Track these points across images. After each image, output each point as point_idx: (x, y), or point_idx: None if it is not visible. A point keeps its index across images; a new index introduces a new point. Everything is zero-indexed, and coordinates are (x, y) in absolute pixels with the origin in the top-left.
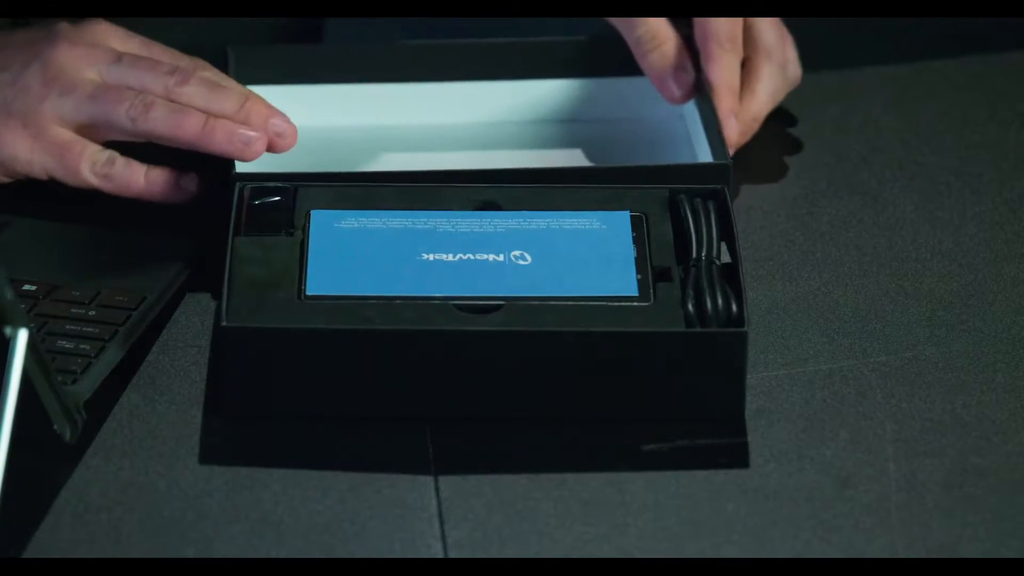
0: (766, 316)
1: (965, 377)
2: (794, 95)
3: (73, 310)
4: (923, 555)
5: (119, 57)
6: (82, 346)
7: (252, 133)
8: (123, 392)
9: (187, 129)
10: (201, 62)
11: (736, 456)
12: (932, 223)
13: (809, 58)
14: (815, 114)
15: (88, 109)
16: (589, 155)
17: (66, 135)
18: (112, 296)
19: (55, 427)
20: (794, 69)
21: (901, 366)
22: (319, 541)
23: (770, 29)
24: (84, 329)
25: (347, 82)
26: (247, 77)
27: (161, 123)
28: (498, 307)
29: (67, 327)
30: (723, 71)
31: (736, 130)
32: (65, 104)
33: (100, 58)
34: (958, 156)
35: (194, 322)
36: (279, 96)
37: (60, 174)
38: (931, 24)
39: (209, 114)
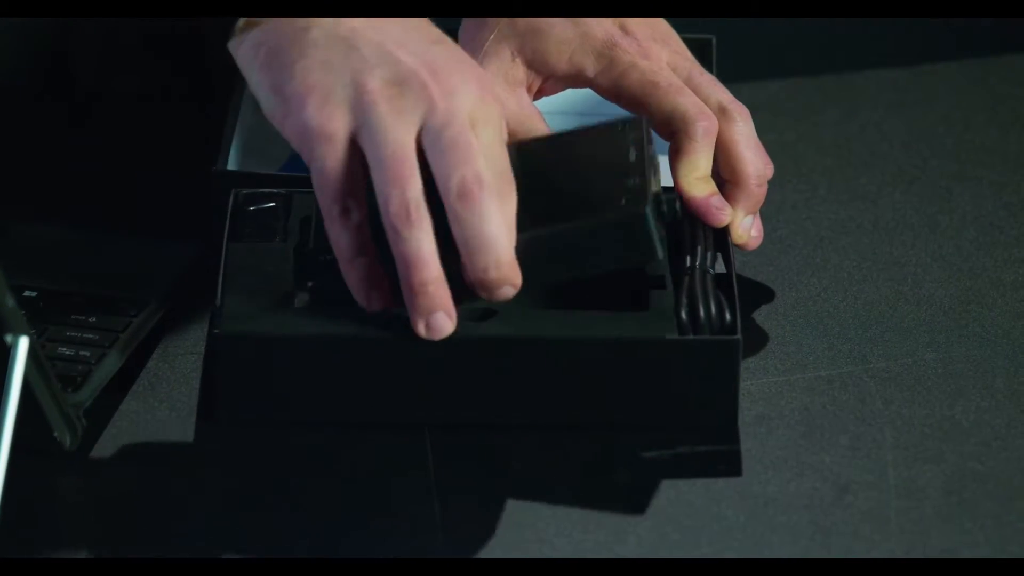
0: (765, 322)
1: (964, 383)
2: (794, 99)
3: (73, 317)
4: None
5: (449, 122)
6: (82, 353)
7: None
8: (123, 399)
9: (413, 282)
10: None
11: (735, 463)
12: (932, 228)
13: (809, 61)
14: (815, 118)
15: (372, 152)
16: None
17: (329, 126)
18: (112, 303)
19: (55, 434)
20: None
21: (900, 372)
22: (318, 548)
23: (712, 88)
24: (84, 336)
25: None
26: None
27: (404, 248)
28: (493, 313)
29: (67, 334)
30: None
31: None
32: (357, 116)
33: (437, 110)
34: (958, 160)
35: (194, 329)
36: None
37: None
38: (931, 27)
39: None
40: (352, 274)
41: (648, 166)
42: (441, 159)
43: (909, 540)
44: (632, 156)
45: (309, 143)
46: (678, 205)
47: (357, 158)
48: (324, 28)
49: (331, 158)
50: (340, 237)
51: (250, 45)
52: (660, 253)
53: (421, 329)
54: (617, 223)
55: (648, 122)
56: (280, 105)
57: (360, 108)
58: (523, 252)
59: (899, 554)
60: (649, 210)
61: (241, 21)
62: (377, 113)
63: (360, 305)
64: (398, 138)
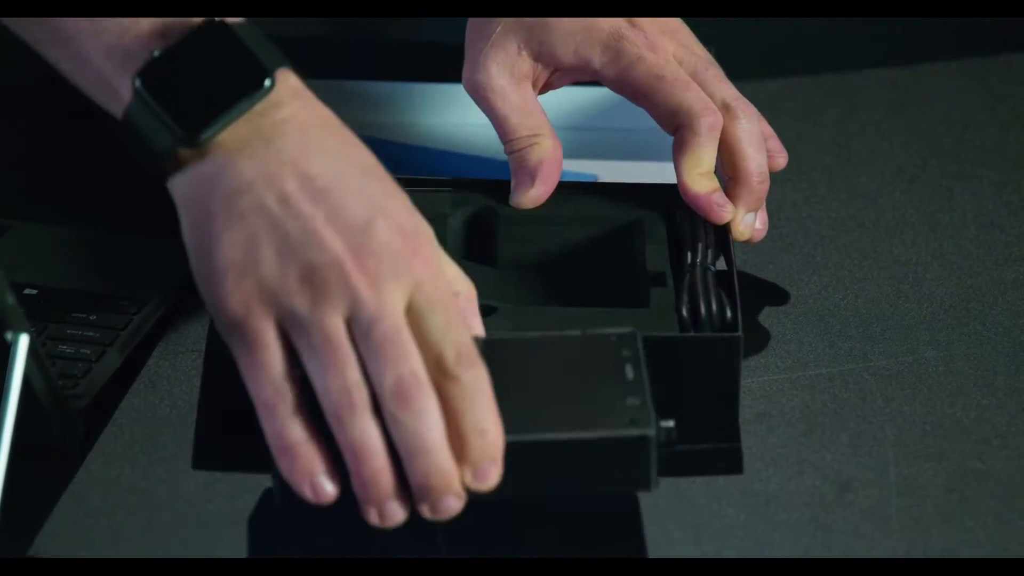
0: (766, 319)
1: (965, 381)
2: (795, 98)
3: (74, 315)
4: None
5: (380, 316)
6: (83, 351)
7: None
8: (124, 397)
9: (363, 473)
10: (477, 370)
11: (735, 461)
12: (932, 226)
13: (809, 61)
14: (815, 117)
15: (301, 341)
16: (596, 164)
17: (247, 310)
18: (113, 301)
19: (55, 432)
20: (752, 109)
21: (901, 370)
22: (318, 548)
23: (718, 83)
24: (85, 334)
25: (349, 78)
26: None
27: (349, 437)
28: (493, 310)
29: (68, 332)
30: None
31: (759, 215)
32: (277, 303)
33: (363, 302)
34: (958, 159)
35: (195, 327)
36: None
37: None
38: (931, 26)
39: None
40: (287, 464)
41: (647, 387)
42: (375, 356)
43: (910, 538)
44: (630, 374)
45: (227, 325)
46: (674, 433)
47: (283, 346)
48: (255, 196)
49: (253, 345)
50: (273, 425)
51: (182, 195)
52: (654, 485)
53: (374, 518)
54: (623, 442)
55: (642, 338)
56: (203, 275)
57: (280, 296)
58: (509, 455)
59: (900, 552)
60: (653, 436)
61: (179, 153)
62: (297, 304)
63: (306, 499)
64: (325, 324)
